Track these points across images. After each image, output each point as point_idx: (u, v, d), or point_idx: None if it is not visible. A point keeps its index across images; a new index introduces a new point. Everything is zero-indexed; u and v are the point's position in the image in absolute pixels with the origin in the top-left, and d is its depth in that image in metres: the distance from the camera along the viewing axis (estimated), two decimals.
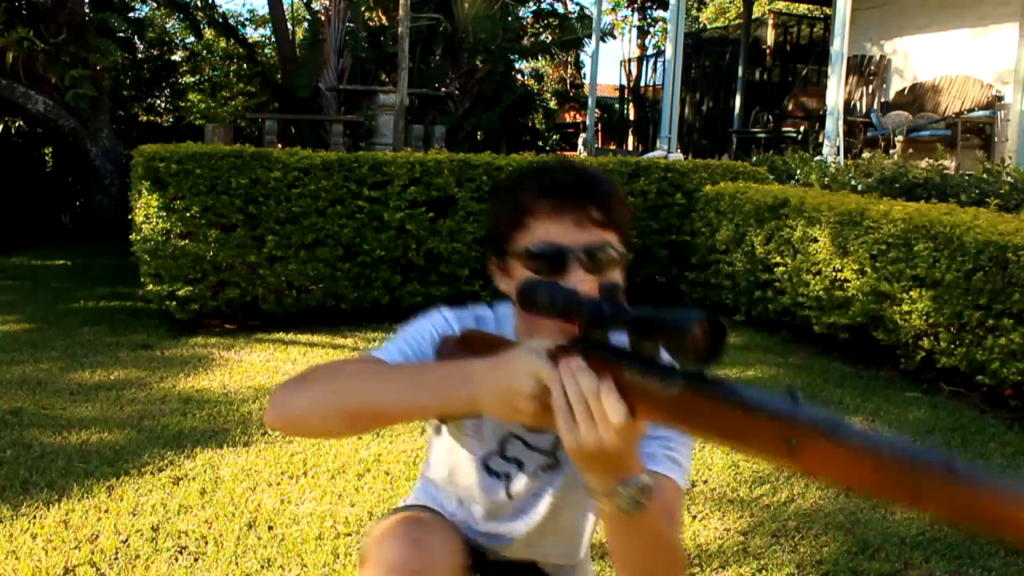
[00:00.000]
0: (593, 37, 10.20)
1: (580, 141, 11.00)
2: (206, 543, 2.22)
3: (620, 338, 0.86)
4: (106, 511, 2.38)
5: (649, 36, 15.93)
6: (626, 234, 1.15)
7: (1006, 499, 0.61)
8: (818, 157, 6.68)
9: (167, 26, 12.41)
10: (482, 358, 0.94)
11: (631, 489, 0.88)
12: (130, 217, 4.74)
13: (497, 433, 1.25)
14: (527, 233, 1.11)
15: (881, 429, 3.29)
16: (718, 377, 0.78)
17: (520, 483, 1.25)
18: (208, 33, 11.81)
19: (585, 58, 15.18)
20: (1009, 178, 5.13)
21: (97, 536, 2.24)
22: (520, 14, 12.66)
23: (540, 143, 12.83)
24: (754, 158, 7.29)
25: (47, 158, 9.66)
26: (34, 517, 2.33)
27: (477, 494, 1.28)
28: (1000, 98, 7.81)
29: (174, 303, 4.40)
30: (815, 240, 4.29)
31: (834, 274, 4.18)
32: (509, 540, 1.30)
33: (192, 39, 12.30)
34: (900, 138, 7.56)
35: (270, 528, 2.32)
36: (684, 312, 0.78)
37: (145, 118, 11.64)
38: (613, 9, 16.28)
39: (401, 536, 1.15)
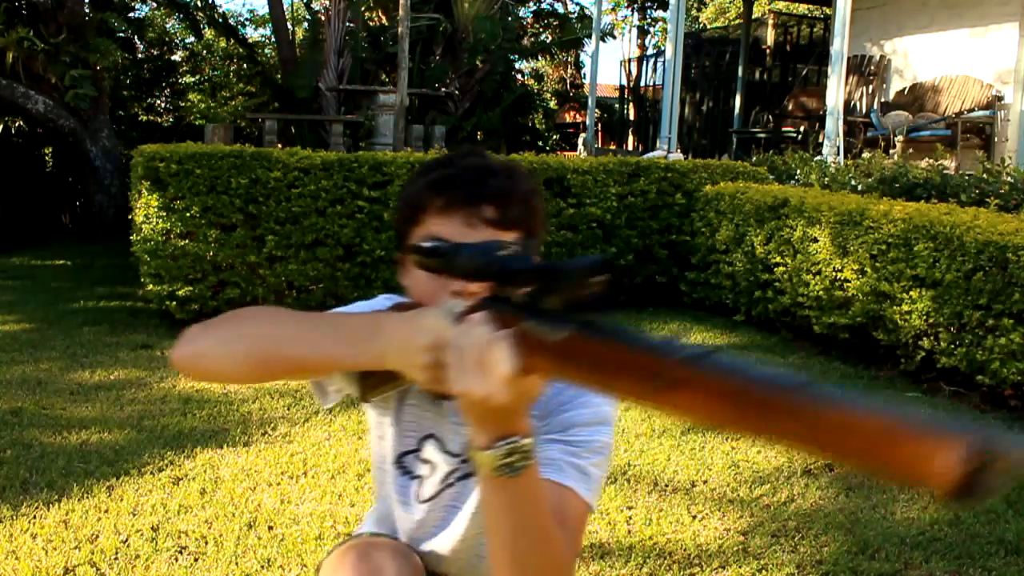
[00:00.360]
0: (593, 37, 10.20)
1: (580, 141, 11.00)
2: (206, 543, 2.22)
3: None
4: (106, 511, 2.38)
5: (649, 36, 15.94)
6: (532, 235, 1.08)
7: (867, 421, 0.57)
8: (818, 157, 6.68)
9: (167, 26, 12.41)
10: (401, 314, 0.92)
11: (508, 447, 0.84)
12: (130, 217, 4.74)
13: (417, 431, 1.21)
14: (420, 229, 1.07)
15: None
16: (609, 322, 0.75)
17: (430, 487, 1.20)
18: (208, 33, 11.81)
19: (585, 58, 15.18)
20: (1009, 178, 5.13)
21: (97, 536, 2.24)
22: (520, 14, 12.66)
23: (540, 143, 12.83)
24: (754, 158, 7.29)
25: (47, 158, 9.66)
26: (34, 517, 2.33)
27: (393, 496, 1.23)
28: (1000, 98, 7.81)
29: (174, 303, 4.40)
30: (815, 240, 4.29)
31: (834, 274, 4.18)
32: (441, 562, 1.22)
33: (192, 39, 12.30)
34: (900, 138, 7.57)
35: (270, 528, 2.32)
36: (579, 259, 0.76)
37: (145, 118, 11.64)
38: (613, 9, 16.29)
39: (352, 565, 1.11)
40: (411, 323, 0.88)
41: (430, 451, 1.20)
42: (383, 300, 1.20)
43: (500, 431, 0.85)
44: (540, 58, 14.30)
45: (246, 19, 13.79)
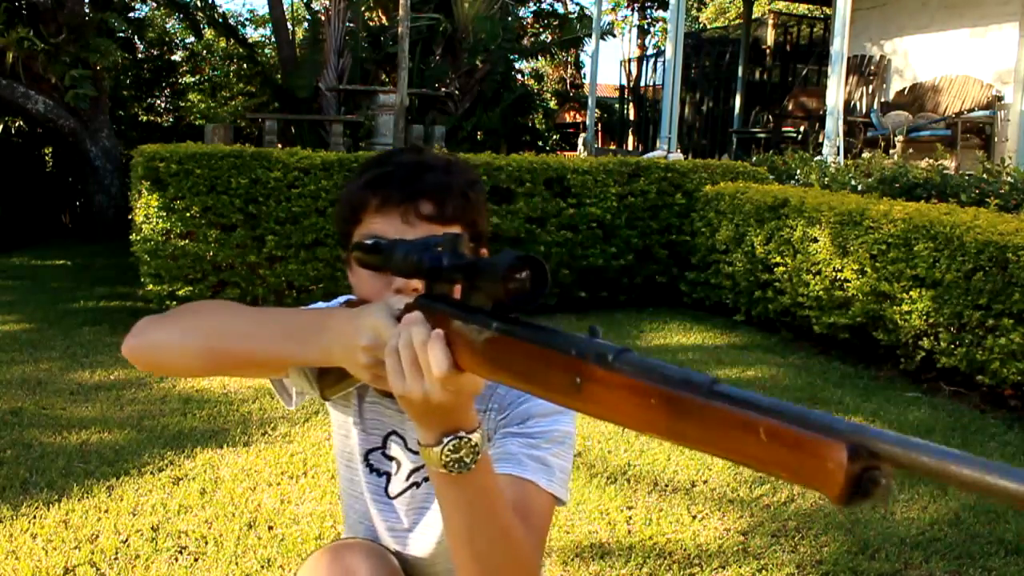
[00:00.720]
0: (593, 37, 10.20)
1: (580, 141, 11.00)
2: (206, 543, 2.22)
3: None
4: (106, 511, 2.38)
5: (649, 36, 15.94)
6: (474, 229, 1.08)
7: (763, 424, 0.56)
8: (818, 157, 6.68)
9: (167, 26, 12.41)
10: (347, 310, 0.92)
11: (454, 442, 0.84)
12: (130, 217, 4.74)
13: (380, 428, 1.21)
14: (361, 228, 1.07)
15: (881, 429, 3.29)
16: (530, 321, 0.74)
17: (398, 484, 1.20)
18: (208, 33, 11.81)
19: (585, 58, 15.18)
20: (1009, 178, 5.13)
21: (97, 536, 2.24)
22: (520, 14, 12.66)
23: (540, 143, 12.83)
24: (754, 158, 7.29)
25: (47, 158, 9.66)
26: (34, 517, 2.33)
27: (367, 496, 1.23)
28: (1000, 98, 7.81)
29: (174, 303, 4.40)
30: (815, 240, 4.29)
31: (834, 274, 4.18)
32: (425, 566, 1.22)
33: (192, 39, 12.30)
34: (900, 138, 7.56)
35: (270, 528, 2.32)
36: (503, 255, 0.75)
37: (145, 118, 11.64)
38: (613, 9, 16.29)
39: (326, 567, 1.11)
40: (353, 321, 0.87)
41: (395, 448, 1.20)
42: (342, 298, 1.19)
43: (444, 427, 0.84)
44: (540, 58, 14.30)
45: (246, 19, 13.81)
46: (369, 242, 0.94)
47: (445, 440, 0.84)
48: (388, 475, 1.21)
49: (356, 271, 1.07)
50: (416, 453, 1.17)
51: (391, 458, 1.21)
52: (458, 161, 1.13)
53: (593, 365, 0.66)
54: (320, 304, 1.21)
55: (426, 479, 1.18)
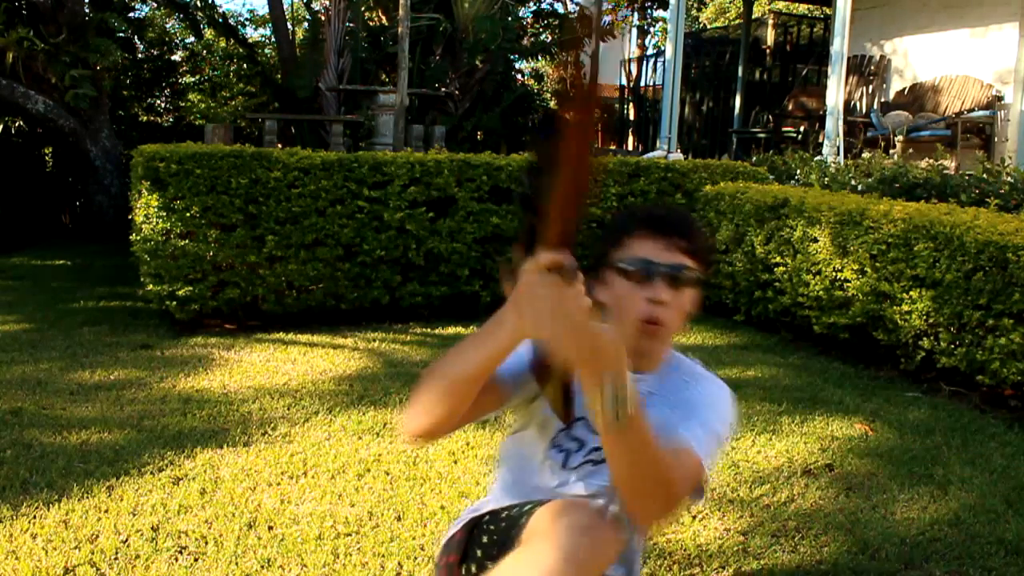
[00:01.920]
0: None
1: None
2: (206, 543, 2.22)
3: None
4: (106, 511, 2.38)
5: (649, 36, 15.94)
6: (707, 263, 1.45)
7: None
8: (818, 157, 6.68)
9: (167, 26, 12.40)
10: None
11: (614, 388, 1.07)
12: (130, 217, 4.74)
13: (578, 428, 1.49)
14: (623, 250, 1.42)
15: (881, 429, 3.29)
16: None
17: (576, 459, 1.48)
18: (208, 33, 11.81)
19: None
20: (1009, 178, 5.13)
21: (97, 536, 2.24)
22: (520, 14, 12.65)
23: None
24: (754, 158, 7.29)
25: (47, 158, 9.66)
26: (34, 517, 2.33)
27: (544, 465, 1.50)
28: (1000, 98, 7.81)
29: (174, 303, 4.40)
30: (815, 240, 4.29)
31: (834, 274, 4.18)
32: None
33: (192, 39, 12.30)
34: (900, 138, 7.57)
35: (270, 528, 2.32)
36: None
37: (145, 118, 11.64)
38: (613, 9, 16.28)
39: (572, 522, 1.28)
40: (512, 301, 1.13)
41: (580, 430, 1.49)
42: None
43: (602, 369, 1.08)
44: (540, 58, 14.29)
45: (246, 19, 13.79)
46: (638, 260, 1.39)
47: (606, 386, 1.08)
48: (568, 452, 1.49)
49: (612, 282, 1.42)
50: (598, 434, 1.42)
51: (575, 438, 1.49)
52: (691, 215, 1.64)
53: None
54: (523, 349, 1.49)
55: (603, 460, 1.42)
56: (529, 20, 13.34)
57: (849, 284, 4.10)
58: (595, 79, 1.05)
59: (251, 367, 3.85)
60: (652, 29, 15.89)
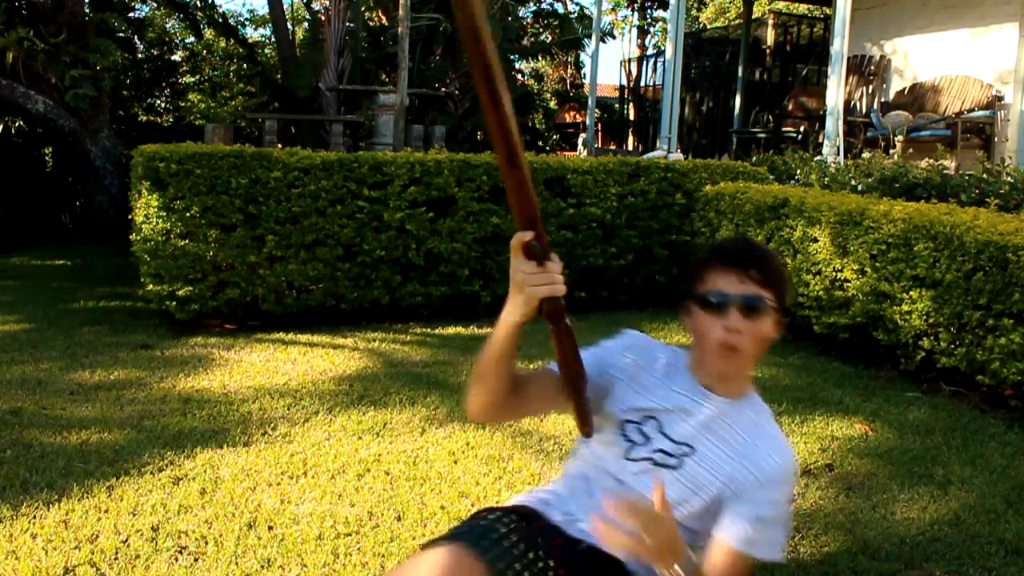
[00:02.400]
0: (593, 37, 10.20)
1: (580, 141, 11.00)
2: (206, 543, 2.22)
3: None
4: (106, 511, 2.38)
5: (649, 36, 15.94)
6: (782, 294, 1.56)
7: None
8: (818, 157, 6.68)
9: (167, 26, 12.42)
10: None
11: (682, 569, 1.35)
12: (130, 217, 4.74)
13: (646, 410, 1.62)
14: (703, 283, 1.54)
15: (881, 429, 3.29)
16: None
17: (640, 453, 1.60)
18: (208, 33, 11.82)
19: (585, 58, 15.19)
20: (1009, 178, 5.12)
21: (97, 536, 2.24)
22: (520, 14, 12.66)
23: (540, 143, 12.83)
24: (754, 158, 7.29)
25: (47, 158, 9.66)
26: (34, 517, 2.33)
27: (611, 449, 1.63)
28: (1000, 98, 7.81)
29: (174, 303, 4.40)
30: (815, 240, 4.30)
31: (834, 274, 4.19)
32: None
33: (192, 39, 12.31)
34: (900, 138, 7.56)
35: (270, 528, 2.32)
36: None
37: (145, 118, 11.65)
38: (613, 9, 16.28)
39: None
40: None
41: (649, 428, 1.61)
42: (678, 349, 1.70)
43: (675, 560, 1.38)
44: (540, 58, 14.30)
45: (246, 19, 13.82)
46: (715, 292, 1.52)
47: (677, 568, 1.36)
48: (633, 444, 1.61)
49: (694, 313, 1.55)
50: (667, 437, 1.59)
51: (643, 433, 1.61)
52: (766, 247, 1.72)
53: None
54: (656, 342, 1.73)
55: (662, 465, 1.58)
56: (529, 20, 13.34)
57: (849, 284, 4.10)
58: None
59: (251, 367, 3.85)
60: (652, 29, 15.89)
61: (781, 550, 1.58)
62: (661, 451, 1.59)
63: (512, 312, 1.40)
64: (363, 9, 10.56)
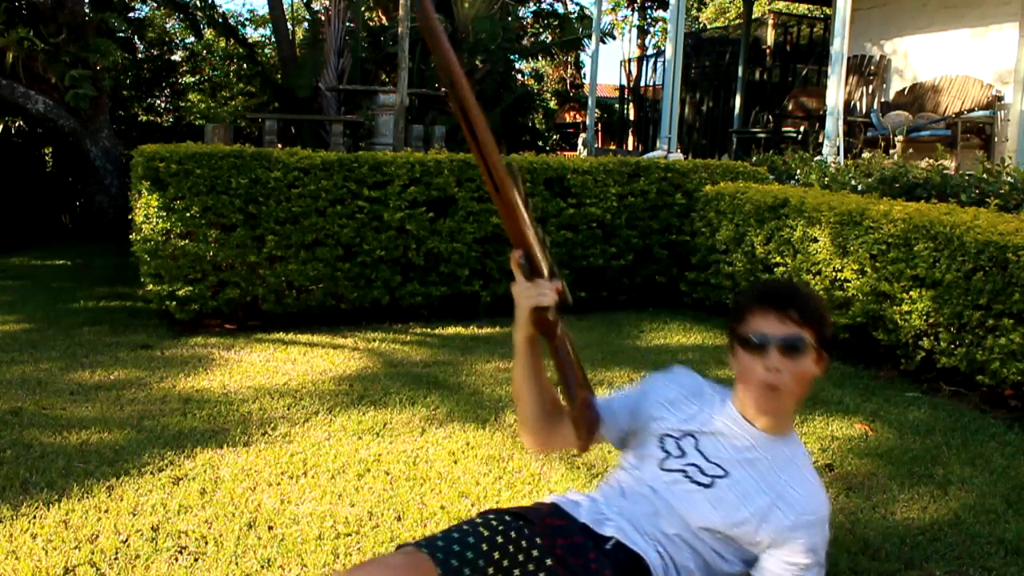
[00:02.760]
0: (593, 37, 10.20)
1: (580, 141, 11.01)
2: (206, 543, 2.22)
3: None
4: (106, 511, 2.38)
5: (649, 36, 15.95)
6: (822, 331, 1.62)
7: None
8: (818, 157, 6.68)
9: (167, 26, 12.41)
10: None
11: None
12: (130, 217, 4.74)
13: (685, 426, 1.71)
14: (745, 325, 1.62)
15: (881, 429, 3.29)
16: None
17: (673, 464, 1.68)
18: (208, 33, 11.81)
19: (585, 58, 15.19)
20: (1009, 178, 5.12)
21: (97, 536, 2.24)
22: (520, 14, 12.66)
23: (540, 143, 12.83)
24: (754, 158, 7.29)
25: (47, 158, 9.66)
26: (34, 517, 2.33)
27: (645, 457, 1.72)
28: (1000, 98, 7.80)
29: (174, 303, 4.40)
30: (815, 240, 4.29)
31: (834, 274, 4.18)
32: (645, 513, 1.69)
33: (192, 39, 12.30)
34: (900, 138, 7.56)
35: (270, 528, 2.32)
36: None
37: (145, 118, 11.65)
38: (613, 9, 16.28)
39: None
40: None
41: (686, 443, 1.69)
42: (720, 389, 1.79)
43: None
44: (540, 58, 14.30)
45: (246, 19, 13.81)
46: (755, 334, 1.59)
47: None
48: (669, 454, 1.69)
49: (737, 352, 1.64)
50: (702, 455, 1.67)
51: (679, 447, 1.69)
52: (807, 287, 1.76)
53: None
54: (704, 379, 1.81)
55: (694, 481, 1.64)
56: (529, 20, 13.34)
57: (849, 284, 4.10)
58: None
59: (251, 367, 3.85)
60: (652, 29, 15.90)
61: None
62: (695, 466, 1.66)
63: (515, 327, 1.52)
64: (363, 9, 10.56)
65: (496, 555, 1.51)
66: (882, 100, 8.86)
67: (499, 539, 1.53)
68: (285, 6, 10.40)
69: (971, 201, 4.85)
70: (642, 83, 13.79)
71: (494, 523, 1.58)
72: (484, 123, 1.37)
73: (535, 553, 1.54)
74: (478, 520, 1.60)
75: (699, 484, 1.63)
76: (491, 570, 1.49)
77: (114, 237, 7.40)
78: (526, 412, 1.67)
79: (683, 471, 1.65)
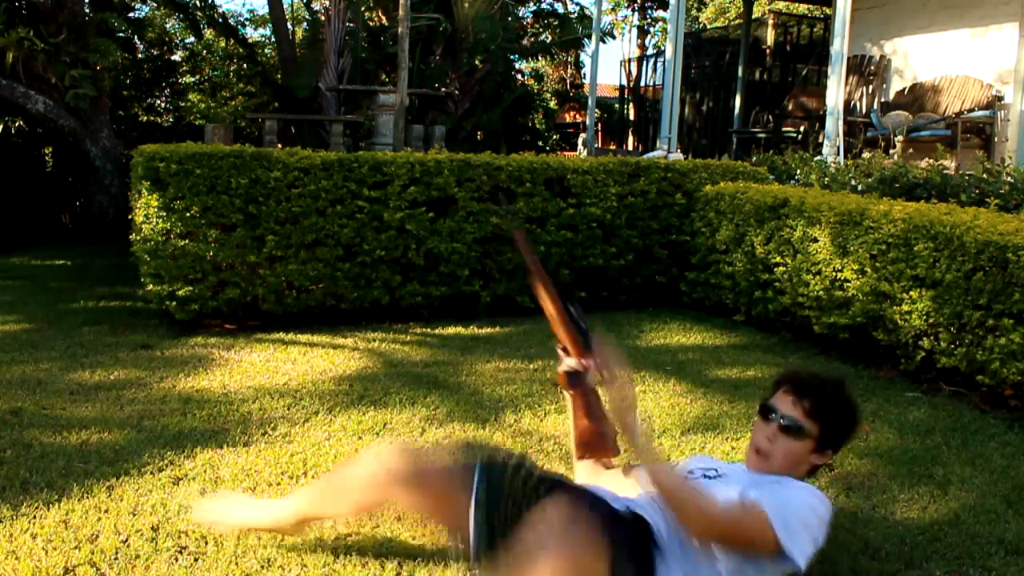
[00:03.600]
0: (593, 37, 10.20)
1: (580, 141, 11.01)
2: (206, 543, 2.22)
3: None
4: (106, 511, 2.38)
5: (649, 36, 15.95)
6: (831, 431, 1.92)
7: None
8: (818, 157, 6.68)
9: (167, 26, 12.40)
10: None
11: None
12: (130, 217, 4.74)
13: (697, 472, 2.02)
14: (771, 394, 1.99)
15: (881, 429, 3.29)
16: None
17: (688, 468, 2.04)
18: (208, 33, 11.81)
19: (585, 58, 15.19)
20: (1009, 178, 5.13)
21: (97, 536, 2.24)
22: (520, 14, 12.65)
23: (540, 143, 12.84)
24: (754, 158, 7.29)
25: (47, 158, 9.65)
26: (34, 517, 2.33)
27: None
28: (1000, 98, 7.81)
29: (174, 303, 4.40)
30: (815, 240, 4.29)
31: (834, 274, 4.18)
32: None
33: (192, 39, 12.30)
34: (900, 138, 7.56)
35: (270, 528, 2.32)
36: None
37: (145, 118, 11.64)
38: (613, 9, 16.29)
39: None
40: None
41: (698, 473, 2.02)
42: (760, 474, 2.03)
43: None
44: (540, 58, 14.30)
45: (246, 19, 13.80)
46: (768, 406, 1.95)
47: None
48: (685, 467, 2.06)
49: (756, 420, 1.99)
50: (716, 471, 2.01)
51: (692, 471, 2.01)
52: (845, 392, 1.98)
53: None
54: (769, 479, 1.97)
55: (707, 476, 1.98)
56: (529, 20, 13.34)
57: (849, 284, 4.10)
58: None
59: (251, 367, 3.85)
60: (652, 29, 15.90)
61: (806, 557, 1.76)
62: (711, 468, 2.02)
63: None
64: (363, 9, 10.56)
65: (501, 478, 1.87)
66: (882, 100, 8.86)
67: (509, 471, 1.88)
68: (285, 6, 10.40)
69: (971, 201, 4.85)
70: (642, 83, 13.80)
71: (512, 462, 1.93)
72: (555, 297, 1.91)
73: (543, 489, 1.83)
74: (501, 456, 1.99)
75: (710, 478, 1.97)
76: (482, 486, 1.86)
77: (114, 237, 7.40)
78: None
79: (692, 471, 2.01)
